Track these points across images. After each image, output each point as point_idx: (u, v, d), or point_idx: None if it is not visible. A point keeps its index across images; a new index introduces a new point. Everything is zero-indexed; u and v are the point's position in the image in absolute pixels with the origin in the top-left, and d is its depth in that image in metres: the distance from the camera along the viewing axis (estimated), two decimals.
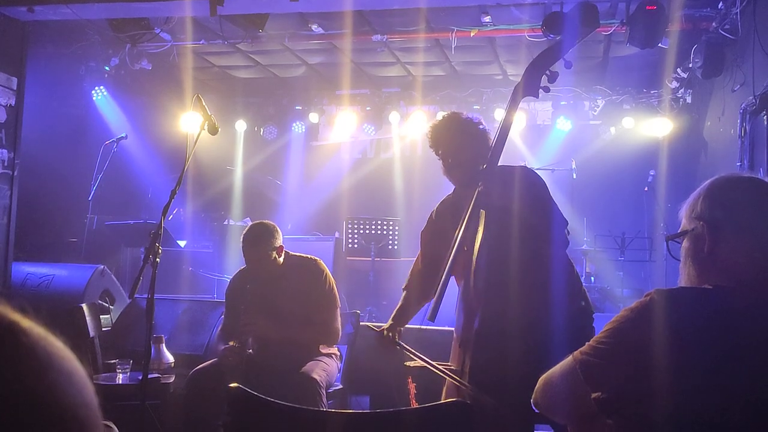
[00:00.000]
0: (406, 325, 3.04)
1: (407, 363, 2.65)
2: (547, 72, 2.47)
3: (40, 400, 0.49)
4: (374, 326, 3.00)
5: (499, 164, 2.49)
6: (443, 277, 2.45)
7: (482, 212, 2.42)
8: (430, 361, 2.52)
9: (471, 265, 2.43)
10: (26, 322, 0.52)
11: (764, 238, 1.46)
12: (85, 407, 0.52)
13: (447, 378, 2.48)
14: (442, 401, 1.68)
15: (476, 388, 2.19)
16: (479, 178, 2.44)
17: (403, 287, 3.10)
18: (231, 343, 3.43)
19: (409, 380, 2.77)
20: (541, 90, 2.46)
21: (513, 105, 2.49)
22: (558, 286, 2.23)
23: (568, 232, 2.53)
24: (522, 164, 2.76)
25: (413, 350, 2.71)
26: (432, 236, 2.99)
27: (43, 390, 0.49)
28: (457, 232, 2.49)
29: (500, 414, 1.88)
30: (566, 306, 2.19)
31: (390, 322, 2.98)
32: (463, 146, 2.73)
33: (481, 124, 2.82)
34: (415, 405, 2.58)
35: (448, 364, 2.59)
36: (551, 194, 2.60)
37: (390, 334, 2.90)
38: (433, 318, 2.41)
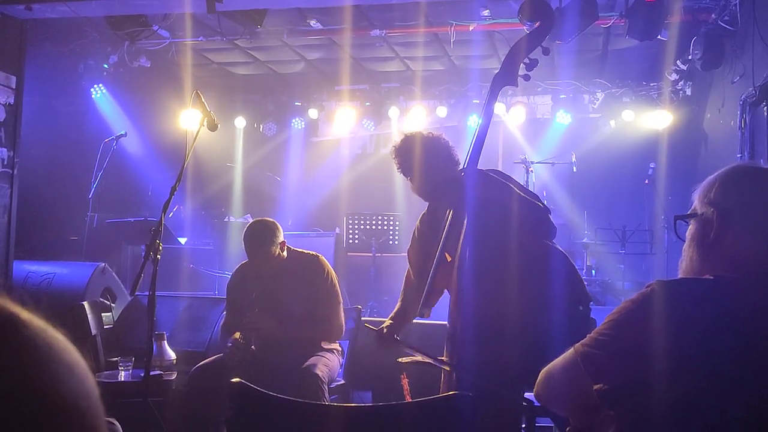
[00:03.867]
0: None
1: (400, 359, 2.67)
2: (526, 60, 2.47)
3: (41, 391, 0.49)
4: (372, 327, 3.00)
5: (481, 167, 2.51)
6: (428, 282, 2.52)
7: (464, 213, 2.44)
8: (430, 354, 2.53)
9: (455, 266, 2.45)
10: (26, 314, 0.53)
11: None
12: (86, 399, 0.52)
13: (446, 370, 2.49)
14: (443, 394, 1.68)
15: (469, 378, 2.19)
16: (460, 178, 2.46)
17: (399, 298, 3.12)
18: (236, 335, 3.43)
19: (403, 376, 2.79)
20: (520, 78, 2.46)
21: (492, 97, 2.49)
22: (551, 276, 2.24)
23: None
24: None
25: (413, 345, 2.73)
26: (417, 253, 3.03)
27: (44, 381, 0.49)
28: (439, 239, 2.52)
29: (494, 405, 1.88)
30: (561, 295, 2.19)
31: (389, 321, 2.99)
32: (428, 165, 2.77)
33: (443, 138, 2.85)
34: (409, 400, 2.60)
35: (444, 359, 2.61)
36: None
37: (389, 333, 2.91)
38: (423, 315, 2.50)
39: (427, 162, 2.77)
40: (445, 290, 2.80)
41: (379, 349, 2.94)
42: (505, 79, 2.45)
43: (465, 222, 2.41)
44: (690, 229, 1.56)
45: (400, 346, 2.84)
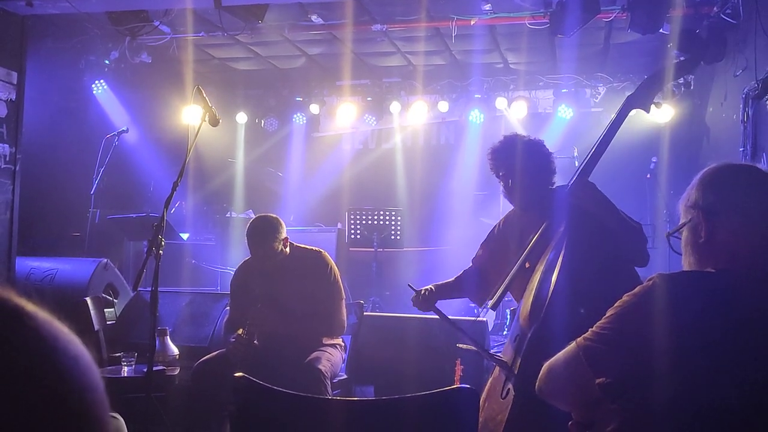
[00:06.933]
0: (405, 315, 3.07)
1: (459, 345, 2.69)
2: (664, 89, 2.48)
3: (46, 382, 0.49)
4: (413, 287, 3.00)
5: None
6: (503, 286, 2.58)
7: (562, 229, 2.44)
8: (464, 329, 2.58)
9: (538, 274, 2.45)
10: (31, 306, 0.53)
11: (760, 221, 1.46)
12: (91, 390, 0.52)
13: (495, 363, 2.50)
14: (447, 387, 1.68)
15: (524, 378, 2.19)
16: (571, 184, 2.44)
17: (456, 276, 3.13)
18: (239, 332, 3.44)
19: (458, 362, 2.82)
20: (653, 105, 2.46)
21: (621, 117, 2.46)
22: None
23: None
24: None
25: (447, 317, 2.77)
26: (490, 249, 3.04)
27: (48, 373, 0.49)
28: (521, 246, 2.56)
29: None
30: None
31: (431, 287, 2.98)
32: (525, 169, 2.75)
33: (543, 146, 2.83)
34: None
35: (500, 354, 2.60)
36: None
37: (430, 297, 2.92)
38: (494, 307, 2.66)
39: (524, 166, 2.75)
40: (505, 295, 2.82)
41: (418, 306, 2.95)
42: (638, 102, 2.44)
43: (559, 232, 2.39)
44: (683, 239, 1.58)
45: (434, 312, 2.85)
